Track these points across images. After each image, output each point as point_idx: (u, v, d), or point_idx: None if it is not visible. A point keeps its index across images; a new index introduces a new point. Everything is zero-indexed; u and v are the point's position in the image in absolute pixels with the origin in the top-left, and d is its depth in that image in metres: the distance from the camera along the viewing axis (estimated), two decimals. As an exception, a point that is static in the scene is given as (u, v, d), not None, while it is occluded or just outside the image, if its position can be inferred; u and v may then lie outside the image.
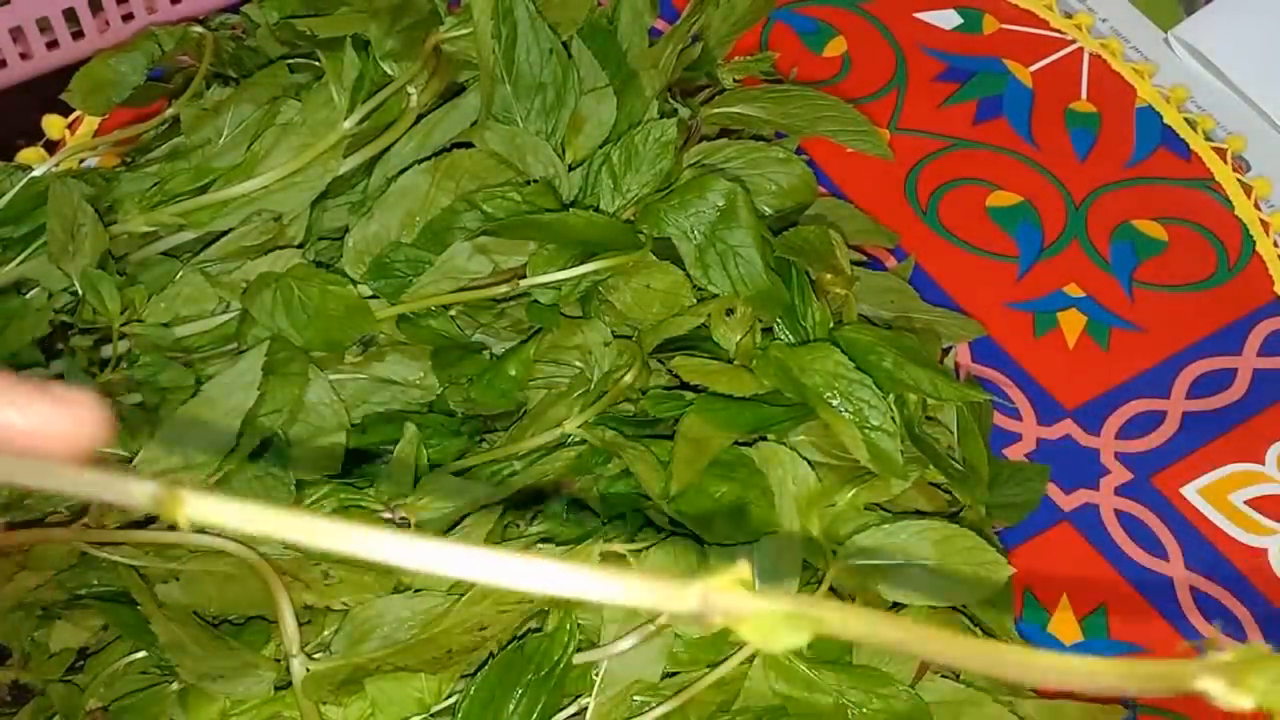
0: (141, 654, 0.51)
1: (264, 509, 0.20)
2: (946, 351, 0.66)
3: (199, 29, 0.66)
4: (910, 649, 0.19)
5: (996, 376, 0.67)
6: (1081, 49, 0.78)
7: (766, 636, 0.19)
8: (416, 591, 0.51)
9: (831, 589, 0.52)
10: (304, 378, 0.55)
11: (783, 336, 0.57)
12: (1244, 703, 0.18)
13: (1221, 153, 0.74)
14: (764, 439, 0.54)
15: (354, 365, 0.57)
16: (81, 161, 0.66)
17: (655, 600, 0.19)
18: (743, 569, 0.19)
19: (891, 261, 0.69)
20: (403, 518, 0.53)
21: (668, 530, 0.52)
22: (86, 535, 0.51)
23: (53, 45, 0.72)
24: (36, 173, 0.62)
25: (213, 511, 0.20)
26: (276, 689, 0.49)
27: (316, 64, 0.61)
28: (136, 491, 0.21)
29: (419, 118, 0.60)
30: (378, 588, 0.50)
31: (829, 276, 0.59)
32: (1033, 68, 0.78)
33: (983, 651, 0.19)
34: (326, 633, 0.50)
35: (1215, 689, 0.18)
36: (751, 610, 0.19)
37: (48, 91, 0.67)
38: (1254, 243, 0.71)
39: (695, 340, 0.58)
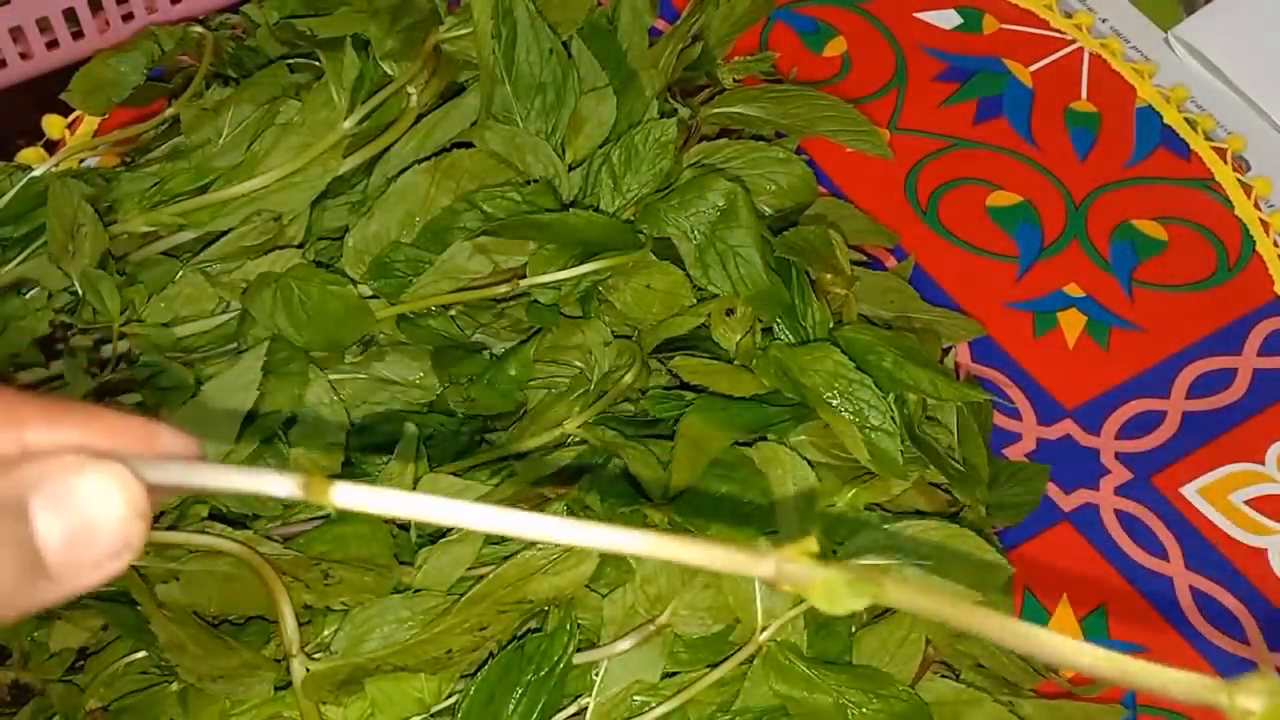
0: (141, 654, 0.51)
1: (405, 494, 0.23)
2: (946, 351, 0.66)
3: (199, 29, 0.66)
4: (952, 622, 0.21)
5: (996, 376, 0.67)
6: (1081, 49, 0.78)
7: (832, 601, 0.22)
8: (416, 592, 0.51)
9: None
10: (304, 378, 0.55)
11: (783, 336, 0.57)
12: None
13: (1221, 153, 0.74)
14: (764, 439, 0.54)
15: (354, 365, 0.57)
16: (81, 161, 0.66)
17: (733, 566, 0.22)
18: (810, 543, 0.22)
19: (891, 261, 0.69)
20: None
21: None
22: (86, 535, 0.51)
23: (53, 45, 0.72)
24: (36, 173, 0.62)
25: (357, 497, 0.23)
26: (276, 689, 0.49)
27: (316, 64, 0.61)
28: (281, 483, 0.23)
29: (419, 118, 0.60)
30: (377, 588, 0.50)
31: (829, 276, 0.59)
32: (1033, 67, 0.78)
33: (1020, 635, 0.21)
34: (326, 633, 0.50)
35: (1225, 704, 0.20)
36: (819, 577, 0.22)
37: (48, 91, 0.67)
38: (1254, 243, 0.71)
39: (695, 340, 0.58)
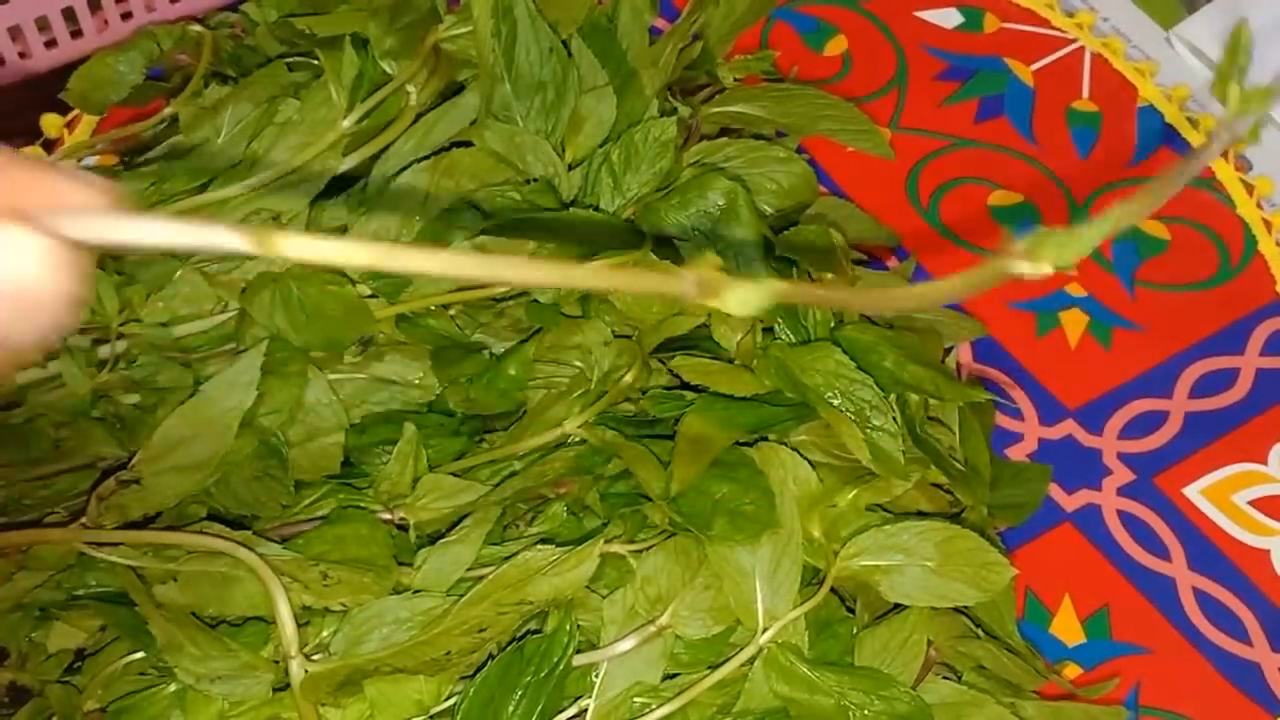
0: (139, 655, 0.51)
1: (349, 242, 0.24)
2: (948, 351, 0.66)
3: (198, 28, 0.66)
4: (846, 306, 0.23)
5: (998, 376, 0.67)
6: (1083, 48, 0.78)
7: (743, 304, 0.24)
8: (415, 593, 0.50)
9: (832, 590, 0.52)
10: (303, 378, 0.54)
11: (783, 336, 0.57)
12: (1044, 269, 0.23)
13: (1223, 152, 0.74)
14: (765, 439, 0.54)
15: (353, 365, 0.57)
16: (80, 160, 0.66)
17: (654, 286, 0.24)
18: (713, 259, 0.24)
19: (892, 261, 0.69)
20: (402, 518, 0.53)
21: (668, 530, 0.52)
22: (84, 535, 0.51)
23: (51, 44, 0.72)
24: (35, 172, 0.61)
25: (306, 248, 0.23)
26: (275, 690, 0.49)
27: (315, 63, 0.61)
28: (229, 238, 0.23)
29: (418, 116, 0.60)
30: (376, 589, 0.50)
31: (829, 276, 0.59)
32: (1034, 66, 0.77)
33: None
34: (325, 634, 0.50)
35: (1022, 268, 0.23)
36: (729, 284, 0.24)
37: (46, 90, 0.67)
38: (1256, 242, 0.71)
39: (695, 340, 0.58)
